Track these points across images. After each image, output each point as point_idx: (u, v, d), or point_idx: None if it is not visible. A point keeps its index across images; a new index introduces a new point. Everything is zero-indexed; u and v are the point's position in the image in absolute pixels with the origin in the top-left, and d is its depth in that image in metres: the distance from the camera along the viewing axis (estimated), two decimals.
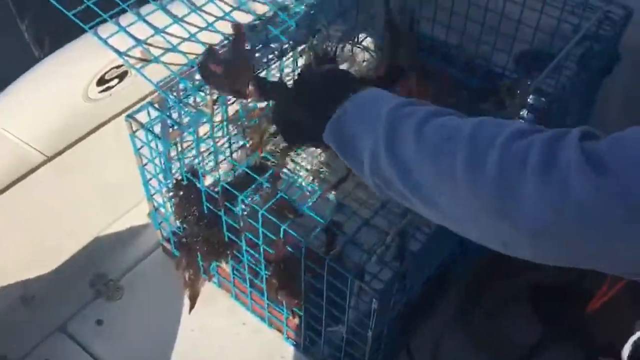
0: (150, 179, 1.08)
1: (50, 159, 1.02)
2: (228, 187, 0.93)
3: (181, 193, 0.98)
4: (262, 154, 1.15)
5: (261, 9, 1.09)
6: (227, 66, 0.88)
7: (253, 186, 0.93)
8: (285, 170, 1.25)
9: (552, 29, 1.15)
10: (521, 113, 1.09)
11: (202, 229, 1.00)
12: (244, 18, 1.09)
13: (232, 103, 1.17)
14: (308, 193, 1.17)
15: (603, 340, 1.10)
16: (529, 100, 1.04)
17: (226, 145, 1.21)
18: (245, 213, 1.03)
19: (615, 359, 0.77)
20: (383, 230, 0.94)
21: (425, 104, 0.65)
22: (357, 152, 0.66)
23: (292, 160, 1.25)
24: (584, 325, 1.30)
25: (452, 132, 0.57)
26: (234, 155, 1.24)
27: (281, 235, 0.89)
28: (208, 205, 0.97)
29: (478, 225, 0.56)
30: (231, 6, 1.10)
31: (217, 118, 1.18)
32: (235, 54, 0.94)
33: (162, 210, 1.14)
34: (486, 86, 1.02)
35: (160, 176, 1.07)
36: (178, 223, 1.08)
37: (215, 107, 1.13)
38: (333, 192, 1.24)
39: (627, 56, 1.33)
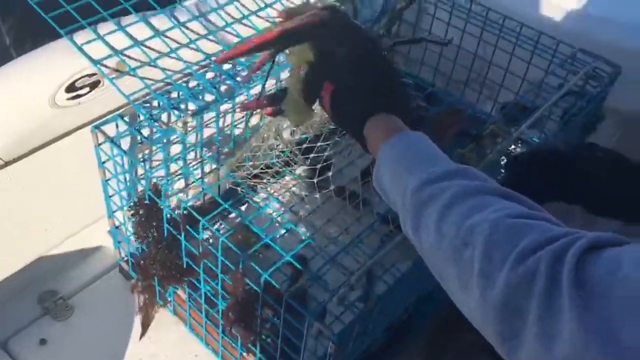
0: (113, 195, 1.03)
1: (7, 164, 0.97)
2: (190, 210, 0.88)
3: (142, 212, 0.94)
4: (234, 180, 1.11)
5: (244, 31, 1.07)
6: None
7: (216, 212, 0.89)
8: (257, 199, 1.22)
9: (539, 81, 1.14)
10: (502, 161, 1.07)
11: (160, 252, 0.94)
12: (229, 38, 1.07)
13: (207, 125, 1.13)
14: (277, 224, 1.13)
15: None
16: (511, 149, 1.01)
17: (198, 168, 1.17)
18: (210, 240, 0.98)
19: None
20: (350, 270, 0.90)
21: (451, 174, 0.63)
22: (390, 202, 0.70)
23: (265, 190, 1.22)
24: None
25: (470, 234, 0.56)
26: (206, 179, 1.20)
27: (240, 267, 0.84)
28: (169, 227, 0.92)
29: (485, 323, 0.55)
30: (216, 25, 1.07)
31: (192, 139, 1.14)
32: None
33: (123, 228, 1.08)
34: (468, 131, 1.00)
35: (124, 193, 1.03)
36: (137, 244, 1.03)
37: (190, 128, 1.10)
38: (302, 227, 1.20)
39: (611, 115, 1.33)
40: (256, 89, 1.13)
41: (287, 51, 0.81)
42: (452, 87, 1.35)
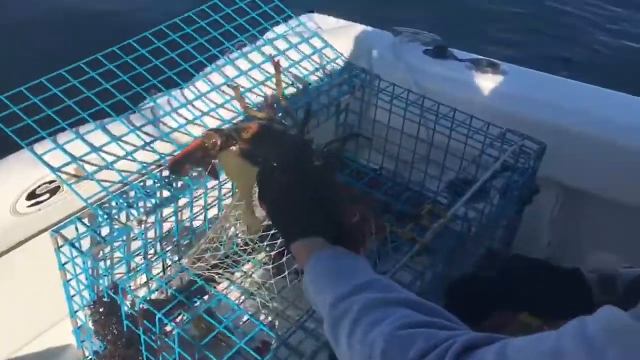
0: (74, 295, 1.06)
1: None
2: (148, 305, 0.92)
3: (102, 310, 0.97)
4: (193, 272, 1.15)
5: (197, 131, 1.14)
6: None
7: (172, 305, 0.93)
8: (221, 287, 1.25)
9: (474, 159, 1.23)
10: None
11: (120, 348, 0.97)
12: (183, 139, 1.14)
13: (165, 221, 1.19)
14: (241, 311, 1.16)
15: None
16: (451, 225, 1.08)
17: (159, 262, 1.21)
18: (170, 330, 1.01)
19: None
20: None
21: (360, 288, 0.69)
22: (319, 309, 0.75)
23: (227, 279, 1.25)
24: None
25: (372, 349, 0.63)
26: (167, 272, 1.23)
27: (196, 357, 0.87)
28: (128, 323, 0.96)
29: None
30: (170, 127, 1.15)
31: (151, 235, 1.19)
32: None
33: (86, 328, 1.11)
34: (409, 211, 1.07)
35: (85, 293, 1.06)
36: (99, 342, 1.05)
37: (149, 224, 1.15)
38: (264, 312, 1.24)
39: (550, 187, 1.42)
40: (211, 183, 1.20)
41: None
42: (400, 169, 1.44)
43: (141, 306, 0.97)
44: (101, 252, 1.05)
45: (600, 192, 1.40)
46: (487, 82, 1.47)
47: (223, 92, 1.22)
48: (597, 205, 1.43)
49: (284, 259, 1.19)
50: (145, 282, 1.18)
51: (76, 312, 1.08)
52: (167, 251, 1.21)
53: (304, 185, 0.82)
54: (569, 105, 1.41)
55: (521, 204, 1.23)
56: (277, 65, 0.96)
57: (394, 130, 1.40)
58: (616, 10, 4.35)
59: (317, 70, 1.35)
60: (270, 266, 1.15)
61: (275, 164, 0.83)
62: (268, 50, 1.32)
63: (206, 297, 1.24)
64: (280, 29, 1.42)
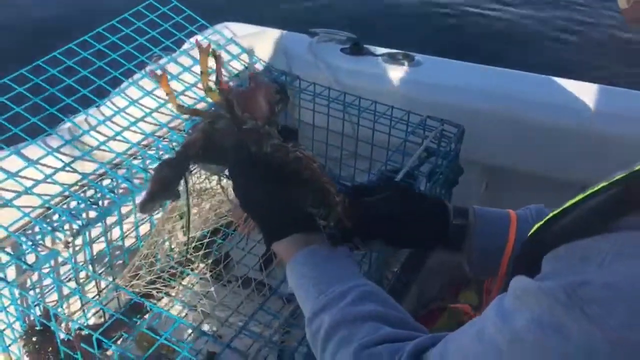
0: (5, 328, 1.01)
1: None
2: (83, 327, 0.89)
3: (35, 339, 0.93)
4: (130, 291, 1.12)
5: (118, 147, 1.12)
6: None
7: (108, 323, 0.90)
8: (162, 304, 1.23)
9: (398, 147, 1.26)
10: None
11: None
12: (105, 157, 1.12)
13: (95, 241, 1.15)
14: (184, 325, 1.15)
15: None
16: None
17: (92, 286, 1.18)
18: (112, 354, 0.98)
19: None
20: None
21: (333, 301, 0.70)
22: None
23: (167, 294, 1.23)
24: None
25: None
26: (103, 293, 1.20)
27: None
28: (65, 350, 0.92)
29: None
30: (90, 146, 1.12)
31: (81, 257, 1.16)
32: None
33: None
34: None
35: (17, 324, 1.02)
36: None
37: (77, 247, 1.11)
38: (207, 322, 1.22)
39: (474, 168, 1.48)
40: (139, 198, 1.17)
41: None
42: (330, 166, 1.45)
43: (77, 331, 0.94)
44: (28, 281, 1.01)
45: (518, 166, 1.47)
46: (404, 74, 1.51)
47: (141, 105, 1.20)
48: (518, 179, 1.50)
49: (222, 266, 1.19)
50: (80, 307, 1.15)
51: (8, 346, 1.03)
52: (100, 273, 1.18)
53: (260, 183, 0.77)
54: (480, 88, 1.47)
55: (448, 187, 1.27)
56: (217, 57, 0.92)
57: (319, 128, 1.42)
58: None
59: (236, 76, 1.35)
60: (208, 274, 1.14)
61: (230, 169, 0.80)
62: (184, 60, 1.31)
63: (146, 316, 1.22)
64: (195, 39, 1.41)
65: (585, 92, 1.43)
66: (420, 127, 1.25)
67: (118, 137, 1.14)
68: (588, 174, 1.43)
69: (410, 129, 1.25)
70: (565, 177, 1.37)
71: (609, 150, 1.34)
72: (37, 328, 0.93)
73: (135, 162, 1.13)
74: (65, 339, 0.93)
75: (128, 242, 1.22)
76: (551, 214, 0.57)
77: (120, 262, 1.21)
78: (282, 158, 0.76)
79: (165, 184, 0.82)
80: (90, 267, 1.15)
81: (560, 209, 0.56)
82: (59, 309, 0.97)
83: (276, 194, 0.76)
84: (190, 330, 1.19)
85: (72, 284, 1.11)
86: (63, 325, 0.93)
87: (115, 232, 1.20)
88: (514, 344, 0.49)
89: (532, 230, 0.61)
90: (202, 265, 1.29)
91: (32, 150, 1.07)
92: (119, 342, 1.08)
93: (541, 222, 0.58)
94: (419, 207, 0.83)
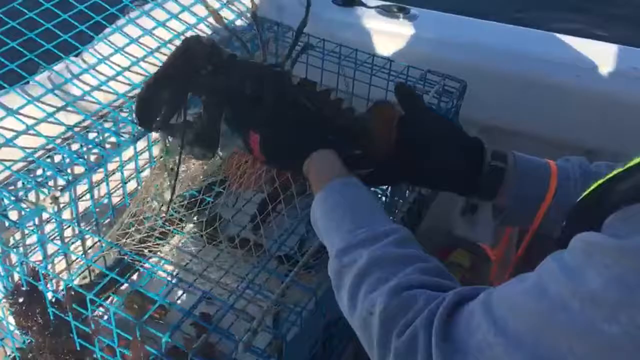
0: None
1: None
2: (75, 287, 0.84)
3: (21, 300, 0.87)
4: (119, 250, 1.07)
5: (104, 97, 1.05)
6: None
7: (102, 284, 0.85)
8: (149, 264, 1.17)
9: None
10: None
11: (47, 338, 0.88)
12: (90, 107, 1.05)
13: (81, 199, 1.09)
14: (174, 286, 1.10)
15: None
16: None
17: (79, 244, 1.12)
18: (104, 316, 0.93)
19: None
20: (245, 312, 0.90)
21: (371, 239, 0.67)
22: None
23: (154, 254, 1.18)
24: None
25: (372, 306, 0.62)
26: (88, 253, 1.14)
27: (137, 334, 0.80)
28: (54, 310, 0.87)
29: None
30: (74, 95, 1.04)
31: (67, 215, 1.09)
32: None
33: (4, 323, 1.00)
34: None
35: (0, 285, 0.95)
36: (22, 337, 0.95)
37: (62, 204, 1.05)
38: (200, 284, 1.18)
39: (471, 127, 1.44)
40: (127, 153, 1.11)
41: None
42: None
43: (69, 290, 0.88)
44: (12, 238, 0.94)
45: (517, 127, 1.44)
46: (400, 27, 1.46)
47: (128, 53, 1.12)
48: (517, 141, 1.46)
49: (217, 224, 1.14)
50: (66, 267, 1.09)
51: None
52: (85, 232, 1.12)
53: (296, 102, 0.79)
54: (479, 43, 1.43)
55: None
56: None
57: None
58: None
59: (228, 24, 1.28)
60: (203, 233, 1.09)
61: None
62: (172, 6, 1.22)
63: (135, 277, 1.16)
64: None
65: (590, 50, 1.40)
66: (420, 82, 1.20)
67: (103, 87, 1.07)
68: (591, 136, 1.42)
69: (410, 83, 1.20)
70: (567, 139, 1.35)
71: (613, 112, 1.31)
72: (24, 288, 0.87)
73: (123, 114, 1.06)
74: (54, 299, 0.87)
75: (115, 200, 1.16)
76: (615, 172, 0.54)
77: (107, 222, 1.15)
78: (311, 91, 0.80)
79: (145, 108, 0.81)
80: (76, 225, 1.09)
81: (625, 167, 0.53)
82: (46, 268, 0.91)
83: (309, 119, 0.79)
84: (180, 292, 1.14)
85: (57, 243, 1.04)
86: (52, 284, 0.88)
87: (101, 190, 1.14)
88: (591, 303, 0.46)
89: (591, 188, 0.58)
90: (191, 225, 1.23)
91: (11, 99, 0.99)
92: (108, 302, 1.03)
93: (602, 180, 0.56)
94: (461, 137, 0.81)
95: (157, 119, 0.86)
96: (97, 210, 1.10)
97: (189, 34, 1.19)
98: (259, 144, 0.81)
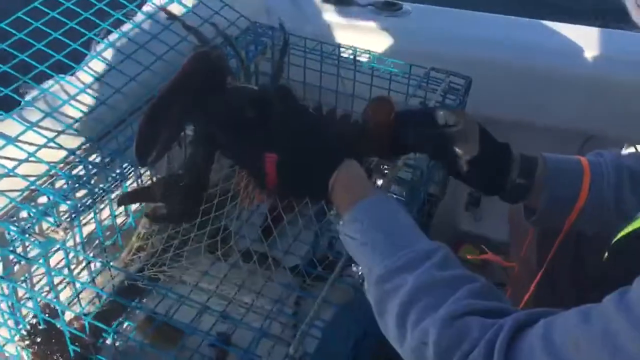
0: None
1: None
2: (95, 322, 0.80)
3: (39, 339, 0.83)
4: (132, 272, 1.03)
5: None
6: None
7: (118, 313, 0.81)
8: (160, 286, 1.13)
9: (402, 104, 1.19)
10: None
11: None
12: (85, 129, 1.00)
13: (86, 224, 1.04)
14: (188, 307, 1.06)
15: None
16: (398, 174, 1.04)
17: (85, 271, 1.07)
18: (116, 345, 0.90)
19: None
20: (277, 337, 0.87)
21: (414, 263, 0.64)
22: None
23: (170, 276, 1.13)
24: None
25: (425, 335, 0.60)
26: (96, 280, 1.09)
27: None
28: (74, 347, 0.83)
29: None
30: (73, 117, 1.00)
31: (70, 242, 1.05)
32: None
33: None
34: None
35: (10, 322, 0.91)
36: None
37: (67, 230, 1.00)
38: (214, 303, 1.14)
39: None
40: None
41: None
42: None
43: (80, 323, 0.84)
44: (22, 273, 0.90)
45: (519, 118, 1.43)
46: (395, 24, 1.43)
47: None
48: (520, 131, 1.46)
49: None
50: (75, 296, 1.04)
51: (3, 346, 0.93)
52: (93, 256, 1.07)
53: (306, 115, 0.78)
54: (475, 36, 1.41)
55: None
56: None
57: (310, 86, 1.32)
58: None
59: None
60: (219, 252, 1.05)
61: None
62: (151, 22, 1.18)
63: (144, 300, 1.12)
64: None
65: (590, 37, 1.38)
66: (424, 81, 1.18)
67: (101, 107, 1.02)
68: (592, 124, 1.41)
69: (414, 82, 1.18)
70: (569, 128, 1.34)
71: (615, 98, 1.31)
72: (41, 326, 0.83)
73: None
74: (73, 336, 0.83)
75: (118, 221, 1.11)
76: None
77: (111, 244, 1.10)
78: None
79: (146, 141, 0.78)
80: (81, 252, 1.04)
81: None
82: (64, 303, 0.86)
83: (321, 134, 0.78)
84: (195, 313, 1.10)
85: (65, 272, 1.00)
86: (70, 315, 0.84)
87: (104, 212, 1.09)
88: None
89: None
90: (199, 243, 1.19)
91: (7, 126, 0.94)
92: (124, 327, 1.00)
93: None
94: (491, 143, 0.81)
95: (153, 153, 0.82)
96: (103, 233, 1.06)
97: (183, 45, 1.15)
98: (277, 164, 0.76)
